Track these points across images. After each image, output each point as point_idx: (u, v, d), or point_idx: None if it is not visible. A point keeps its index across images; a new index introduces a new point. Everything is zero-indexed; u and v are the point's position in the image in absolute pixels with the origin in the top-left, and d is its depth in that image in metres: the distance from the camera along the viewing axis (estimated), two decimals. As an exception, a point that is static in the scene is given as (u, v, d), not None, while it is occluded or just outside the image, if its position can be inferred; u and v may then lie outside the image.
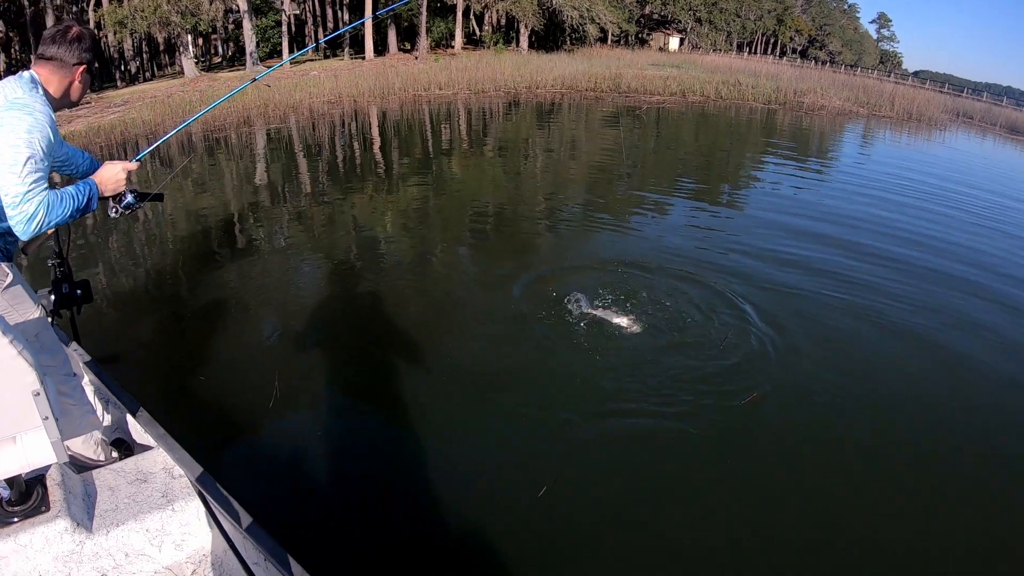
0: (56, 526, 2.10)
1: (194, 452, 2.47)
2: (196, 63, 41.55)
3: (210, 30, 43.53)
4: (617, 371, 5.00)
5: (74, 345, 3.35)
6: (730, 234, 8.53)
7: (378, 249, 7.97)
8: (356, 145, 15.97)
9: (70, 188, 2.41)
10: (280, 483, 3.84)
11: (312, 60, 39.22)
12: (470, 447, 4.23)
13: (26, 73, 2.38)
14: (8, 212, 2.19)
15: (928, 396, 5.13)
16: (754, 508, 3.73)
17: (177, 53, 36.77)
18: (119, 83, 40.79)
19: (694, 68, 31.15)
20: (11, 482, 2.09)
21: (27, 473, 2.06)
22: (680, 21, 58.77)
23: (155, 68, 47.84)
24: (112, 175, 2.65)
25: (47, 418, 1.90)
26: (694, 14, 58.34)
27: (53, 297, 3.26)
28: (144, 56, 46.91)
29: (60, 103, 2.49)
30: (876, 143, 21.07)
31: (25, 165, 2.18)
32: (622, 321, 5.71)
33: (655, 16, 58.91)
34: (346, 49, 38.51)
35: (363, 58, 36.00)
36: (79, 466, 2.68)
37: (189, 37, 37.10)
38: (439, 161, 13.08)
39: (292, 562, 1.93)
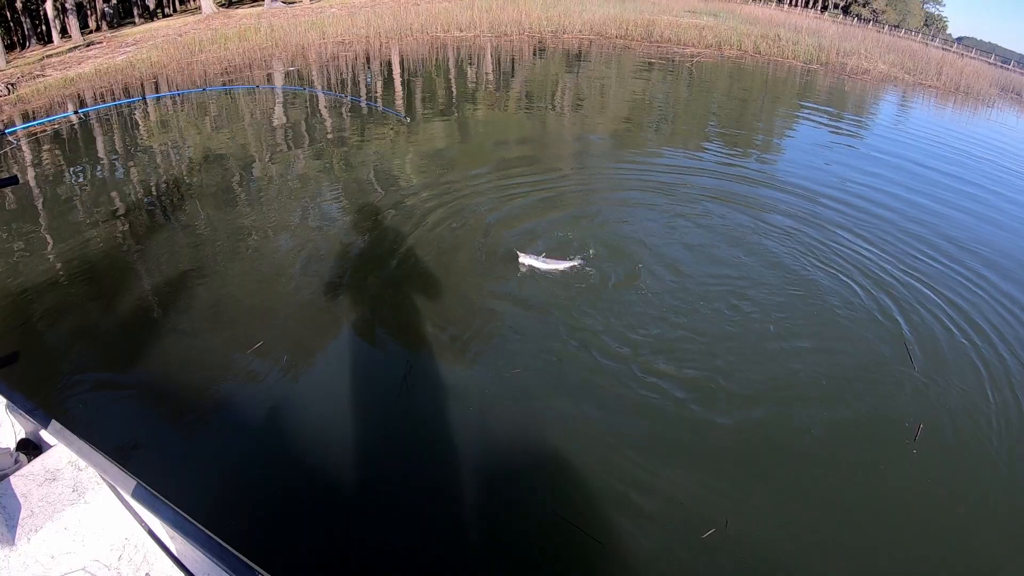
0: None
1: (101, 442, 2.44)
2: (215, -2, 40.55)
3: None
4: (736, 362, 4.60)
5: None
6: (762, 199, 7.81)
7: (394, 196, 7.61)
8: (378, 86, 15.25)
9: None
10: (190, 462, 3.86)
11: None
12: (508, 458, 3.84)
13: None
14: None
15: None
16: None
17: (196, -13, 35.79)
18: (137, 20, 40.09)
19: (732, 18, 29.60)
20: None
21: None
22: (720, -34, 56.57)
23: (175, 3, 46.96)
24: None
25: None
26: (738, -40, 56.10)
27: None
28: (163, -10, 45.98)
29: None
30: (921, 113, 19.74)
31: None
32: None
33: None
34: (370, -16, 37.32)
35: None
36: None
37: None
38: (462, 106, 12.35)
39: (201, 531, 1.98)
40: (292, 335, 4.93)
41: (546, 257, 5.64)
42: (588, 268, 5.59)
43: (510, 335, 4.79)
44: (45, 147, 13.06)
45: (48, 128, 14.58)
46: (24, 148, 13.06)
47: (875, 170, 9.67)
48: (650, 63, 16.84)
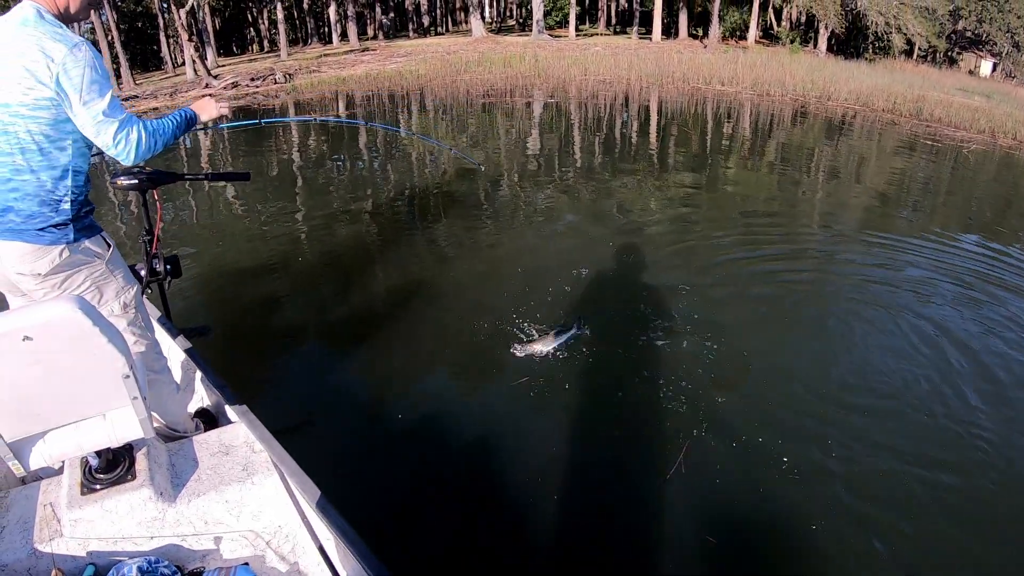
0: (141, 494, 2.25)
1: (275, 427, 2.58)
2: (488, 24, 43.37)
3: (504, -8, 45.31)
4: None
5: (164, 319, 3.52)
6: None
7: (632, 239, 7.58)
8: (633, 128, 15.84)
9: (165, 117, 2.51)
10: (361, 467, 3.90)
11: (600, 35, 39.52)
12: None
13: (29, 9, 2.21)
14: (107, 141, 2.25)
15: None
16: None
17: (469, 11, 38.57)
18: (411, 34, 43.80)
19: (1007, 101, 27.28)
20: (99, 452, 2.23)
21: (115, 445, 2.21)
22: (996, 43, 52.25)
23: (449, 24, 50.67)
24: (208, 103, 2.75)
25: (136, 398, 2.04)
26: (1013, 37, 51.57)
27: (144, 272, 3.49)
28: (438, 12, 49.81)
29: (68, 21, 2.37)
30: None
31: (109, 93, 2.23)
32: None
33: (968, 34, 52.83)
34: (635, 27, 38.26)
35: (650, 39, 35.58)
36: (164, 436, 2.84)
37: (479, -2, 38.75)
38: (715, 159, 12.63)
39: (360, 541, 2.05)
40: (516, 364, 4.83)
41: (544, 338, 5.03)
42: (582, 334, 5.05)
43: (771, 416, 4.36)
44: (310, 137, 14.85)
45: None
46: (292, 135, 14.89)
47: None
48: (914, 142, 16.20)
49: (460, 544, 3.39)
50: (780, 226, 8.59)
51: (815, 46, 36.19)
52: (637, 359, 4.97)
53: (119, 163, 2.43)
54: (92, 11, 2.38)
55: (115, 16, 31.07)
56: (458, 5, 49.74)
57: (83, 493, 2.23)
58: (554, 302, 5.81)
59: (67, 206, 2.33)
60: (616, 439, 4.14)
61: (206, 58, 29.57)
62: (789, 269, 7.02)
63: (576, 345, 5.03)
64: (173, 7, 27.98)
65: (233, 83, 24.56)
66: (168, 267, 3.59)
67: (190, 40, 27.43)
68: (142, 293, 3.14)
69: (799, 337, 5.56)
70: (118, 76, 28.97)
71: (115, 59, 29.35)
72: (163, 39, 40.00)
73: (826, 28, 35.65)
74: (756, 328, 5.55)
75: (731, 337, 5.28)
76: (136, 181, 3.41)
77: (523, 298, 5.86)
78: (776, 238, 7.97)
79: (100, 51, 31.00)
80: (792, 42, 35.76)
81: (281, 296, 6.26)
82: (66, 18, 2.30)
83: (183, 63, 32.37)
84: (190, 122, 2.60)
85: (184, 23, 27.51)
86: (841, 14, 34.92)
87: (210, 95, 2.72)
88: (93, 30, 30.70)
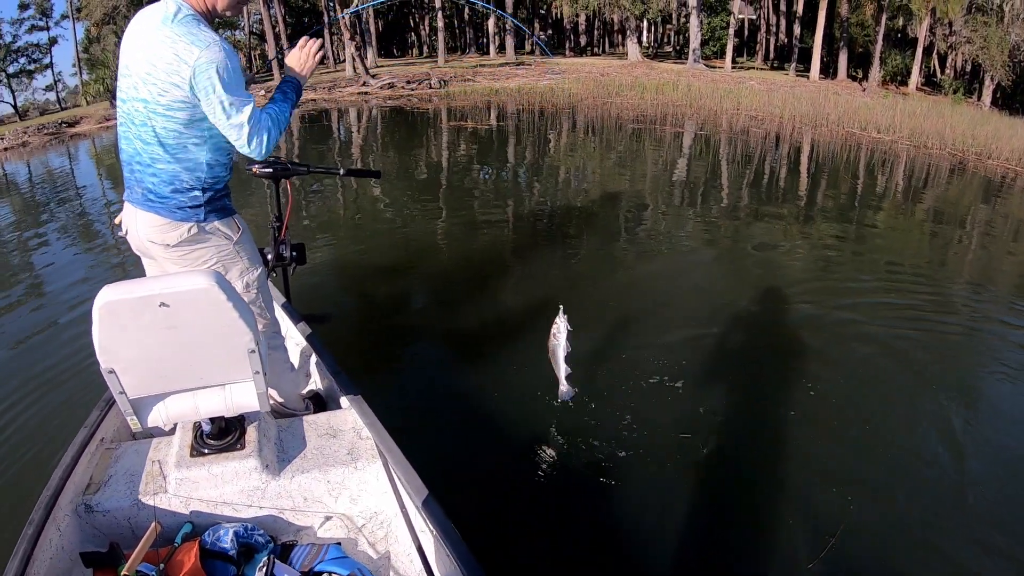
0: (247, 464, 2.36)
1: (383, 416, 2.64)
2: (644, 48, 43.91)
3: (661, 19, 45.73)
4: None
5: (286, 303, 3.66)
6: None
7: (772, 286, 7.09)
8: (783, 169, 15.92)
9: (275, 96, 2.48)
10: (466, 473, 3.73)
11: (757, 69, 39.27)
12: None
13: (171, 5, 2.25)
14: (241, 142, 2.30)
15: None
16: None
17: (627, 34, 39.26)
18: (567, 52, 44.86)
19: None
20: (213, 419, 2.36)
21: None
22: None
23: (605, 45, 51.50)
24: (296, 56, 2.61)
25: (257, 372, 2.14)
26: None
27: (270, 256, 3.63)
28: (595, 32, 50.72)
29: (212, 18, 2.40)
30: None
31: (239, 95, 2.27)
32: None
33: None
34: (792, 64, 37.81)
35: (807, 77, 35.00)
36: (275, 413, 2.92)
37: (636, 22, 39.30)
38: (863, 211, 12.60)
39: (459, 540, 2.05)
40: (628, 395, 4.57)
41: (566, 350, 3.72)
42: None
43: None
44: (460, 142, 15.71)
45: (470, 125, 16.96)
46: (443, 138, 15.83)
47: None
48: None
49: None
50: (928, 286, 8.01)
51: (979, 98, 34.35)
52: (774, 426, 4.42)
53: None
54: (243, 8, 2.70)
55: (283, 11, 33.57)
56: (616, 28, 50.42)
57: (192, 455, 2.37)
58: (678, 343, 5.42)
59: (199, 193, 2.43)
60: (754, 512, 3.64)
61: (366, 58, 31.61)
62: (936, 332, 6.33)
63: (710, 403, 4.61)
64: (339, 7, 29.85)
65: (389, 84, 26.16)
66: (294, 254, 3.72)
67: (352, 39, 29.32)
68: (267, 276, 3.23)
69: (956, 424, 4.64)
70: (281, 67, 31.48)
71: (280, 51, 31.65)
72: (327, 35, 42.74)
73: (992, 79, 34.17)
74: (905, 404, 4.88)
75: (879, 412, 4.67)
76: (271, 170, 3.62)
77: (648, 332, 5.64)
78: (923, 299, 7.38)
79: (266, 40, 33.53)
80: (955, 92, 34.01)
81: (405, 296, 6.41)
82: (212, 15, 2.36)
83: (344, 60, 34.55)
84: (298, 90, 2.55)
85: (348, 22, 29.31)
86: (1008, 65, 33.42)
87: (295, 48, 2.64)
88: (261, 21, 33.26)
